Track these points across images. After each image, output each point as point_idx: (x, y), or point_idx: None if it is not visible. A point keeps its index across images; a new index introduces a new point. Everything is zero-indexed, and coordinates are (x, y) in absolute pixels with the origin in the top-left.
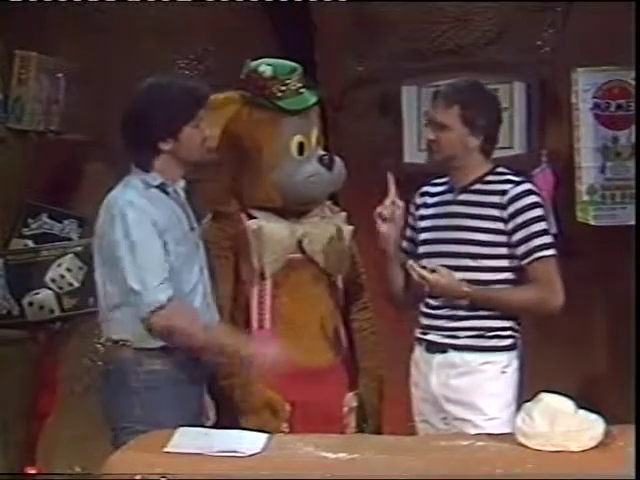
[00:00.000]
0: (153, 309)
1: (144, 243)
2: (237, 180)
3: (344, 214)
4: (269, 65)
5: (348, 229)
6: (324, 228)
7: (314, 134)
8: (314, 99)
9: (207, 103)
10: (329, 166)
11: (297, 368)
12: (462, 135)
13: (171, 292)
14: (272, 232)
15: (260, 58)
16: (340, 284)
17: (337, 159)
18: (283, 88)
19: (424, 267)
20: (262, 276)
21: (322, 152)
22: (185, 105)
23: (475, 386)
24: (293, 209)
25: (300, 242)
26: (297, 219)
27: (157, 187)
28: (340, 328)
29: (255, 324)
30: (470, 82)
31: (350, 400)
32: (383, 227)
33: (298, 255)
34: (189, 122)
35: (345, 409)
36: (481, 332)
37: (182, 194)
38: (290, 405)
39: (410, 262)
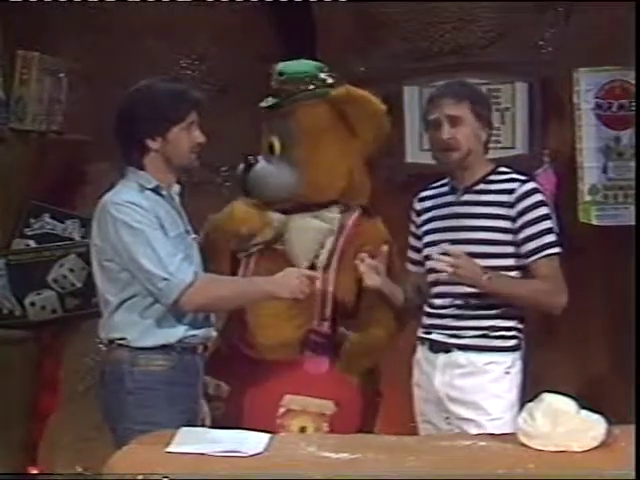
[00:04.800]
0: (181, 291)
1: (151, 231)
2: None
3: (339, 216)
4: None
5: (331, 230)
6: (306, 223)
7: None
8: (275, 101)
9: (201, 108)
10: (246, 168)
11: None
12: (476, 129)
13: (193, 268)
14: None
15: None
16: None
17: (258, 167)
18: (272, 84)
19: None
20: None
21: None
22: (174, 106)
23: (479, 386)
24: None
25: (281, 234)
26: (288, 214)
27: (151, 190)
28: (312, 330)
29: None
30: (462, 81)
31: (289, 402)
32: (371, 280)
33: (277, 246)
34: (178, 123)
35: (282, 410)
36: (485, 332)
37: (177, 199)
38: (227, 386)
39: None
